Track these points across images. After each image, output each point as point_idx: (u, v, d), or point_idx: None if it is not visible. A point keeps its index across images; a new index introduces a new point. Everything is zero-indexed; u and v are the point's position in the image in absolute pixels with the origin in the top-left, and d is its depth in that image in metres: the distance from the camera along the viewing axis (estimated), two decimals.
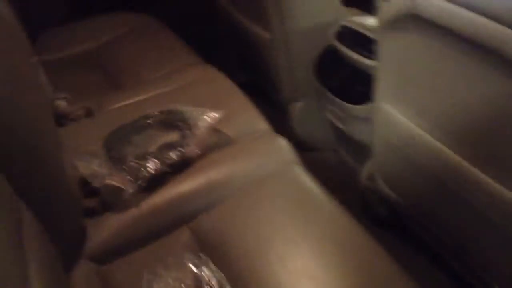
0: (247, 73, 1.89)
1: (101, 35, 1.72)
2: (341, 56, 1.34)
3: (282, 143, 1.13)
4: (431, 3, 0.85)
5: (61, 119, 1.33)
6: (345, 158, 1.63)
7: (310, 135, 1.66)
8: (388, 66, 1.08)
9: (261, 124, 1.19)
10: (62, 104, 1.34)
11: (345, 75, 1.36)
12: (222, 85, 1.34)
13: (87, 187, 1.02)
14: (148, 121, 1.17)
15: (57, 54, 1.66)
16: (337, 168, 1.65)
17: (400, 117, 1.08)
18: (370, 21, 1.32)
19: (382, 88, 1.12)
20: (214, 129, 1.11)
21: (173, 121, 1.16)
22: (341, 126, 1.46)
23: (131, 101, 1.34)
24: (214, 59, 1.61)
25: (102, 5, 1.88)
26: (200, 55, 1.60)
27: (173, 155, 1.05)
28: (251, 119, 1.19)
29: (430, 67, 0.94)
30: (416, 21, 0.90)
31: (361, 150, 1.44)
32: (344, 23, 1.34)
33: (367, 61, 1.23)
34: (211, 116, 1.09)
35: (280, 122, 1.45)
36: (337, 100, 1.38)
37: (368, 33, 1.24)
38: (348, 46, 1.31)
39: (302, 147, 1.69)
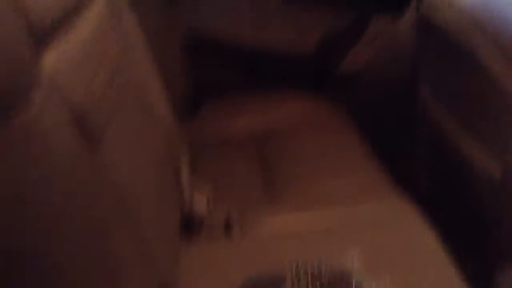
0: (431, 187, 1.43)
1: (269, 118, 1.42)
2: None
3: None
4: None
5: (194, 227, 1.03)
6: None
7: None
8: None
9: None
10: (200, 206, 1.04)
11: None
12: (417, 235, 0.93)
13: None
14: (299, 280, 0.80)
15: (214, 132, 1.39)
16: None
17: None
18: None
19: None
20: None
21: None
22: None
23: (285, 226, 0.99)
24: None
25: (277, 78, 1.59)
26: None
27: None
28: None
29: None
30: None
31: None
32: None
33: None
34: None
35: None
36: None
37: None
38: None
39: None
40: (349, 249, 0.86)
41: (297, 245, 0.92)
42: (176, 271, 0.76)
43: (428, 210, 1.16)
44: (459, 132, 1.16)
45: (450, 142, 1.17)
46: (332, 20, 1.57)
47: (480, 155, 1.06)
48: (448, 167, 1.20)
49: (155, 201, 0.69)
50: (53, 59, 0.48)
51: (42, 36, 0.47)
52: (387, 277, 0.80)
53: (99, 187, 0.50)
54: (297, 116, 1.41)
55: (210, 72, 1.60)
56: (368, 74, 1.57)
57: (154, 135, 0.78)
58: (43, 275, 0.39)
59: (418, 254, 0.90)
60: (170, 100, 1.01)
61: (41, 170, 0.43)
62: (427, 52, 1.32)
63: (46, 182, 0.43)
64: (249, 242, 0.96)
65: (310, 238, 0.94)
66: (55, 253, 0.40)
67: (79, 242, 0.43)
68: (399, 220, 0.98)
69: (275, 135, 1.34)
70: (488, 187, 1.01)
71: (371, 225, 0.96)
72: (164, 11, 1.34)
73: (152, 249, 0.63)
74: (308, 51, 1.55)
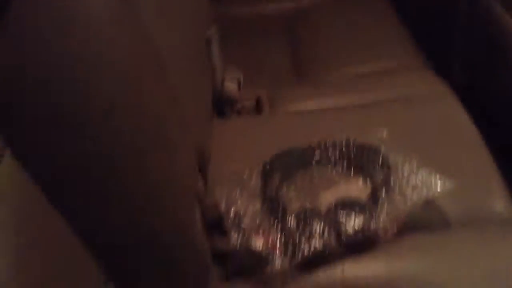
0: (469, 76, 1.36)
1: None
2: None
3: None
4: None
5: (226, 106, 1.04)
6: None
7: None
8: None
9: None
10: (232, 87, 1.04)
11: None
12: (449, 114, 0.91)
13: (214, 222, 0.73)
14: (328, 153, 0.81)
15: (242, 13, 1.34)
16: None
17: None
18: None
19: None
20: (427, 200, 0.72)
21: (364, 163, 0.79)
22: None
23: (315, 105, 0.99)
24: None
25: None
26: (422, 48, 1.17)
27: (352, 225, 0.69)
28: (489, 195, 0.76)
29: None
30: None
31: None
32: None
33: None
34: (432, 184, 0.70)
35: None
36: None
37: None
38: None
39: None
40: (378, 125, 0.86)
41: (326, 122, 0.92)
42: (209, 141, 0.77)
43: (462, 94, 1.14)
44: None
45: (500, 27, 1.10)
46: None
47: None
48: (492, 52, 1.14)
49: (188, 67, 0.69)
50: None
51: None
52: (415, 152, 0.81)
53: (134, 40, 0.49)
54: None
55: None
56: None
57: (185, 4, 0.76)
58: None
59: (448, 133, 0.88)
60: None
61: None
62: None
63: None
64: (279, 119, 0.97)
65: (340, 115, 0.94)
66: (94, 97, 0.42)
67: (117, 89, 0.44)
68: (432, 100, 0.96)
69: (305, 15, 1.29)
70: None
71: (402, 104, 0.94)
72: None
73: (187, 113, 0.64)
74: None
